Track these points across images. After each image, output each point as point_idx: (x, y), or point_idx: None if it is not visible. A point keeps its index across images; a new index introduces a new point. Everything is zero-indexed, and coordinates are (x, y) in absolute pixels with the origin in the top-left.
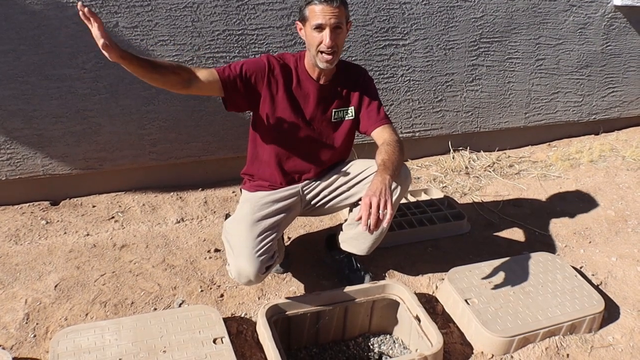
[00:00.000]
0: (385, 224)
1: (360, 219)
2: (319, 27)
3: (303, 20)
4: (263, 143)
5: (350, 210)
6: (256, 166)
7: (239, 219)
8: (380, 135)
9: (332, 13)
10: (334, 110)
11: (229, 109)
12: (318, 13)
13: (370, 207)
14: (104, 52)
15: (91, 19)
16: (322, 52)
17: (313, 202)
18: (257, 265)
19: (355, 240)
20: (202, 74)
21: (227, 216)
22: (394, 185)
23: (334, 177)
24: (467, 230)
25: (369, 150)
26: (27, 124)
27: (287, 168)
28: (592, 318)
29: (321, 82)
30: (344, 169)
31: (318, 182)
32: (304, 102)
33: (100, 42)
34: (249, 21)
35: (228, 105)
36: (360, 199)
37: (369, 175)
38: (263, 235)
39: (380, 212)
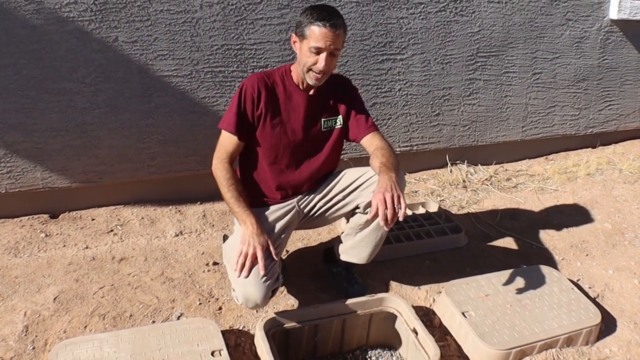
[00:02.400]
0: (401, 217)
1: (374, 216)
2: (317, 50)
3: (301, 36)
4: (255, 162)
5: (348, 221)
6: (249, 185)
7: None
8: (371, 142)
9: (332, 39)
10: (323, 120)
11: (245, 142)
12: (319, 36)
13: (385, 202)
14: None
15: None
16: (312, 71)
17: (310, 214)
18: (264, 290)
19: (355, 249)
20: (233, 151)
21: (224, 237)
22: None
23: (329, 187)
24: (465, 243)
25: (365, 165)
26: (27, 137)
27: (281, 184)
28: (589, 331)
29: (310, 93)
30: (338, 177)
31: (313, 194)
32: (295, 115)
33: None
34: (248, 36)
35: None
36: (357, 206)
37: (364, 182)
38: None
39: (395, 206)
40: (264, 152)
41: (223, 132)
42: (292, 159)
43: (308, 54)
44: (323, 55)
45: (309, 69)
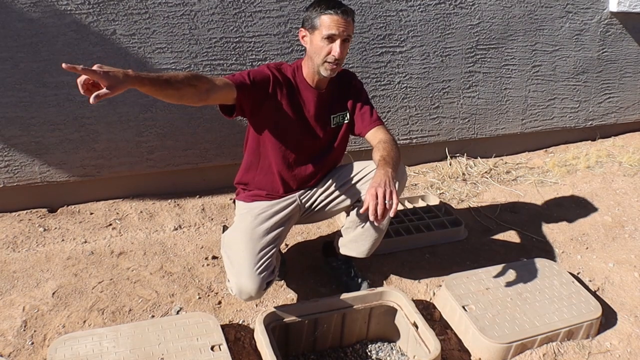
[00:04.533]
0: (391, 214)
1: (366, 210)
2: (330, 38)
3: (311, 28)
4: (264, 152)
5: (348, 215)
6: (252, 174)
7: (239, 234)
8: (375, 135)
9: (345, 25)
10: (332, 116)
11: (236, 114)
12: (331, 24)
13: (377, 197)
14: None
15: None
16: (327, 62)
17: (311, 208)
18: (259, 282)
19: (355, 242)
20: (219, 81)
21: (224, 228)
22: None
23: (331, 180)
24: (465, 236)
25: (366, 158)
26: (25, 131)
27: (288, 177)
28: (590, 324)
29: (320, 90)
30: (340, 172)
31: (315, 188)
32: (306, 111)
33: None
34: (246, 29)
35: (236, 111)
36: (358, 200)
37: (365, 175)
38: (263, 252)
39: (387, 202)
40: (273, 146)
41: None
42: (301, 155)
43: (321, 44)
44: (337, 42)
45: (324, 60)
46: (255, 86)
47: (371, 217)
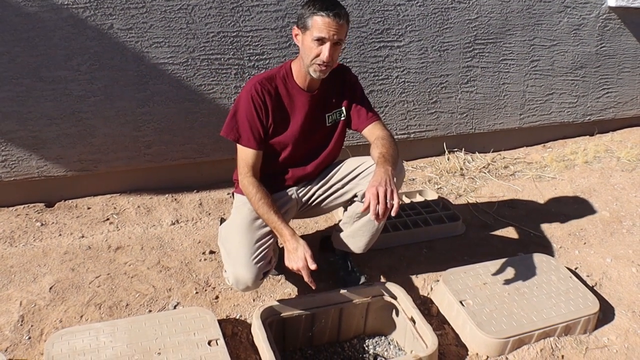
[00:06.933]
0: (393, 213)
1: (366, 209)
2: (320, 40)
3: (303, 28)
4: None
5: (345, 210)
6: None
7: (236, 225)
8: (372, 131)
9: (336, 28)
10: (327, 115)
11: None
12: (322, 26)
13: (378, 197)
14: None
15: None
16: (316, 64)
17: (309, 203)
18: (255, 272)
19: (352, 238)
20: (255, 163)
21: (221, 220)
22: None
23: (329, 175)
24: (462, 231)
25: (364, 152)
26: (22, 126)
27: (285, 177)
28: (587, 319)
29: (312, 92)
30: (338, 167)
31: (312, 183)
32: (300, 116)
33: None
34: (244, 23)
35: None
36: (355, 195)
37: (363, 171)
38: (260, 242)
39: (388, 201)
40: (271, 152)
41: (242, 147)
42: (299, 156)
43: (311, 45)
44: (327, 45)
45: (313, 61)
46: (259, 127)
47: (372, 217)
